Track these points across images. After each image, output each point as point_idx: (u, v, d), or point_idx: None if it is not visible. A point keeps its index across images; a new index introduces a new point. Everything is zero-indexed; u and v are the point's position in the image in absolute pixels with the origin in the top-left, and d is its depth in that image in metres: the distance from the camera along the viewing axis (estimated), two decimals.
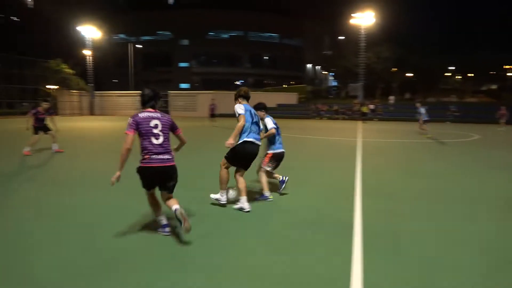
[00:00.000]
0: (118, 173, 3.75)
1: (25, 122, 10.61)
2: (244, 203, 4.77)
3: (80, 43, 52.68)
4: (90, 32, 46.85)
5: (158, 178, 3.82)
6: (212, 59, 73.89)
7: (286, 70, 77.17)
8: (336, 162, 9.27)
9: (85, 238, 3.91)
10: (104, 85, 74.84)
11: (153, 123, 3.92)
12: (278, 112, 41.62)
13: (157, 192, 4.01)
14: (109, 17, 70.62)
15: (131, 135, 3.83)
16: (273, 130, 5.41)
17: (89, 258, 3.42)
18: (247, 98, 5.14)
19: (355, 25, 42.17)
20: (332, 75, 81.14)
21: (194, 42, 71.45)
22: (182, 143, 4.27)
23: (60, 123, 13.98)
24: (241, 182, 4.86)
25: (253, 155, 4.89)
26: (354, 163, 8.97)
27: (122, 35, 75.57)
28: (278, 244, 3.81)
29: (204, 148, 12.03)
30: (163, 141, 3.86)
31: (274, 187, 6.03)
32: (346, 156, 10.29)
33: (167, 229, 4.00)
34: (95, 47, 51.11)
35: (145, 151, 3.82)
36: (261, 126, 5.17)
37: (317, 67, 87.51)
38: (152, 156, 3.78)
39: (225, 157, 4.90)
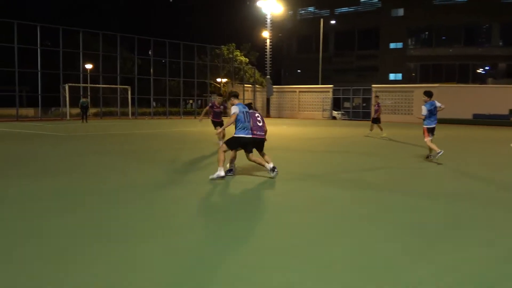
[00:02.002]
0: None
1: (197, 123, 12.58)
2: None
3: (258, 22, 57.43)
4: (270, 7, 50.29)
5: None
6: (438, 36, 69.85)
7: None
8: None
9: None
10: (284, 78, 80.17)
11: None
12: None
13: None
14: None
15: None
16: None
17: None
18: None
19: None
20: None
21: (412, 11, 68.87)
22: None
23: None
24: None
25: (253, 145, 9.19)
26: None
27: (311, 9, 79.23)
28: None
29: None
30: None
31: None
32: None
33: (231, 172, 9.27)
34: (276, 27, 54.69)
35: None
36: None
37: None
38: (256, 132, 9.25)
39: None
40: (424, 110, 12.01)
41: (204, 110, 15.48)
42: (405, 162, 12.44)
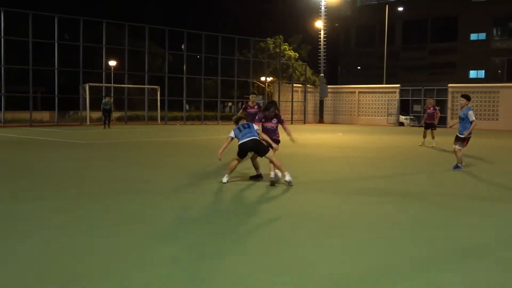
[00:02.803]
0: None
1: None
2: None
3: (310, 11, 57.30)
4: None
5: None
6: None
7: None
8: None
9: None
10: (341, 76, 79.85)
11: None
12: None
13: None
14: None
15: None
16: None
17: None
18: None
19: None
20: None
21: None
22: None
23: None
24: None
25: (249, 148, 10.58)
26: None
27: None
28: None
29: None
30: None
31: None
32: None
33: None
34: (331, 16, 54.33)
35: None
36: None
37: None
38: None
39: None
40: (473, 115, 12.78)
41: (240, 113, 16.05)
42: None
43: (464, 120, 12.84)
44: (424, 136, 22.15)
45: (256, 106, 15.85)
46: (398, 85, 48.81)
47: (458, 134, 13.03)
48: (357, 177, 12.24)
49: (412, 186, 10.78)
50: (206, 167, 13.30)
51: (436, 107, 23.14)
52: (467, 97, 13.15)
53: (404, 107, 47.18)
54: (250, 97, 16.65)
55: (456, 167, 13.13)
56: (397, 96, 47.56)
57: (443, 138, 22.58)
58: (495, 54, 69.97)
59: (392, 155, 18.01)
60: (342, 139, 26.56)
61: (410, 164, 15.15)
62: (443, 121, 44.23)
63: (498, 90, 42.85)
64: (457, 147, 13.03)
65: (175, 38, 45.08)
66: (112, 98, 37.75)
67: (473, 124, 12.66)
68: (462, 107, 13.15)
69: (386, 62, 61.88)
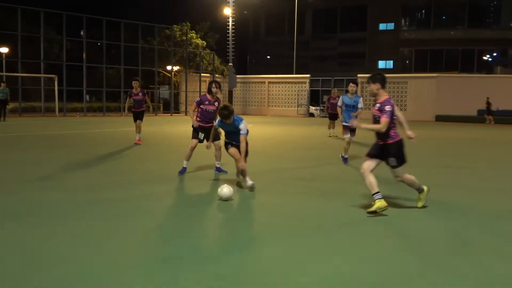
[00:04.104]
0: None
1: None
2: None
3: None
4: None
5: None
6: (437, 16, 70.52)
7: None
8: None
9: None
10: (250, 66, 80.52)
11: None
12: None
13: None
14: None
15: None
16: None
17: None
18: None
19: None
20: None
21: None
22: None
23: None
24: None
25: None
26: None
27: None
28: None
29: None
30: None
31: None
32: None
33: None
34: (240, 3, 55.25)
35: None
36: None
37: None
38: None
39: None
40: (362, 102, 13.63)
41: (127, 103, 17.77)
42: None
43: (354, 107, 13.20)
44: (329, 127, 23.30)
45: (140, 94, 16.86)
46: (308, 75, 50.39)
47: (347, 124, 12.81)
48: (270, 169, 13.19)
49: (301, 177, 12.06)
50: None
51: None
52: (357, 83, 13.97)
53: (314, 98, 48.87)
54: (133, 84, 17.09)
55: (344, 159, 13.32)
56: (307, 86, 49.15)
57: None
58: (404, 45, 72.08)
59: (302, 147, 19.24)
60: (251, 131, 27.57)
61: (312, 156, 16.26)
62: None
63: (406, 80, 45.29)
64: (348, 136, 13.11)
65: (73, 23, 44.44)
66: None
67: (359, 111, 13.17)
68: (352, 94, 13.35)
69: (297, 52, 62.93)
